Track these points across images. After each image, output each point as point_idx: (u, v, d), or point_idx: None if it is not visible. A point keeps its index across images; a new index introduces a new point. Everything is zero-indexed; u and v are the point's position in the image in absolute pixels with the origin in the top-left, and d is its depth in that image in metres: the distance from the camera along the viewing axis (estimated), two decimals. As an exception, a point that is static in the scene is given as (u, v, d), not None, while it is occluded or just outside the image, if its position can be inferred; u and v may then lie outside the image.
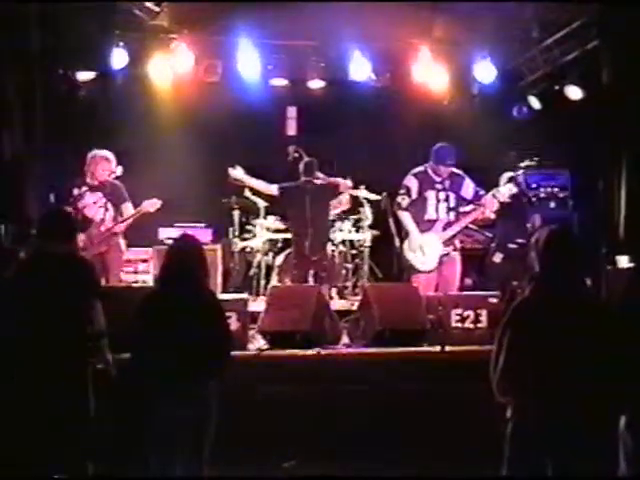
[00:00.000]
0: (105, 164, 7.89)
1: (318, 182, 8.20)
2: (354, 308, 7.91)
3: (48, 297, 4.98)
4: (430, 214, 7.83)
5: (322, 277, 8.06)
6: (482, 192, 7.89)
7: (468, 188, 7.88)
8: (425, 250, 7.74)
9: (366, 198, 9.07)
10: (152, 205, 7.94)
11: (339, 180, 8.37)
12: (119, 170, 7.96)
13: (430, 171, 7.86)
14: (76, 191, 7.88)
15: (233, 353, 4.95)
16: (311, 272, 8.15)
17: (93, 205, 7.87)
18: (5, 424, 4.97)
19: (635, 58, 8.02)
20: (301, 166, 8.24)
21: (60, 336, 4.96)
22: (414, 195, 7.82)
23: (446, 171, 7.80)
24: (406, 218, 7.82)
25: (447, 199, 7.84)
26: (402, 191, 7.86)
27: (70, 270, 5.12)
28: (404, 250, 7.85)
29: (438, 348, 6.69)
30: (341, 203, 8.76)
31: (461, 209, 7.90)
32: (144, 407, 4.68)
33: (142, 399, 4.70)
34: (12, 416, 4.95)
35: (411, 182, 7.86)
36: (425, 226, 7.81)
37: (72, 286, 5.05)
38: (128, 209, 7.94)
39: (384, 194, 8.44)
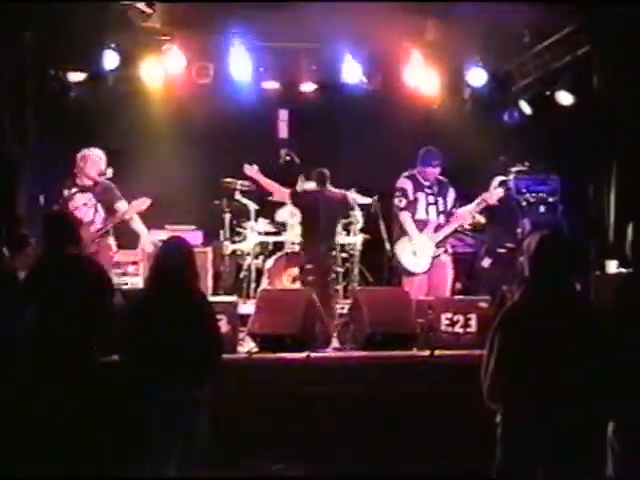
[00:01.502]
0: (96, 162, 7.83)
1: (330, 193, 8.20)
2: (344, 312, 7.91)
3: (67, 296, 5.24)
4: (420, 214, 7.89)
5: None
6: (456, 209, 7.95)
7: (451, 198, 7.97)
8: (417, 252, 7.77)
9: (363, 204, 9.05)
10: (141, 204, 7.89)
11: (347, 193, 8.40)
12: (109, 172, 7.93)
13: (418, 175, 7.94)
14: (66, 192, 7.82)
15: (223, 356, 4.94)
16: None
17: (83, 207, 7.82)
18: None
19: (626, 64, 8.06)
20: (314, 175, 8.23)
21: (76, 334, 5.21)
22: (411, 197, 7.88)
23: (433, 174, 7.89)
24: (406, 219, 7.85)
25: (436, 203, 7.91)
26: (398, 193, 7.91)
27: (86, 270, 5.45)
28: (397, 253, 7.87)
29: (427, 352, 6.71)
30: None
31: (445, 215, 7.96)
32: (134, 410, 4.68)
33: (131, 402, 4.70)
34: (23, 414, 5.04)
35: (406, 184, 7.93)
36: (417, 226, 7.85)
37: (90, 286, 5.36)
38: (124, 207, 7.85)
39: (374, 197, 8.45)
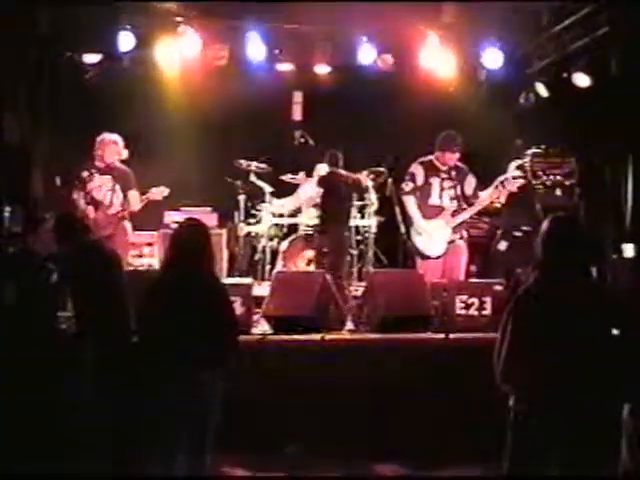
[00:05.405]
0: (113, 147, 7.95)
1: (342, 176, 8.23)
2: (359, 294, 7.92)
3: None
4: (434, 200, 7.85)
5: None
6: (480, 192, 7.91)
7: (471, 184, 7.92)
8: (432, 236, 7.76)
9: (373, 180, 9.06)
10: (159, 193, 7.99)
11: (360, 177, 8.45)
12: (125, 153, 7.98)
13: (435, 160, 7.90)
14: (85, 173, 7.91)
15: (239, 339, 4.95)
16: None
17: (101, 188, 7.90)
18: None
19: (644, 46, 7.98)
20: (326, 157, 8.29)
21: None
22: (419, 182, 7.86)
23: (451, 159, 7.83)
24: (410, 203, 7.85)
25: (452, 188, 7.86)
26: (407, 177, 7.93)
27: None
28: (412, 235, 7.87)
29: (442, 335, 6.71)
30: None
31: (462, 200, 7.93)
32: (147, 393, 4.70)
33: (145, 384, 4.71)
34: None
35: (416, 169, 7.91)
36: (432, 212, 7.83)
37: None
38: (135, 197, 7.96)
39: (389, 179, 8.44)
